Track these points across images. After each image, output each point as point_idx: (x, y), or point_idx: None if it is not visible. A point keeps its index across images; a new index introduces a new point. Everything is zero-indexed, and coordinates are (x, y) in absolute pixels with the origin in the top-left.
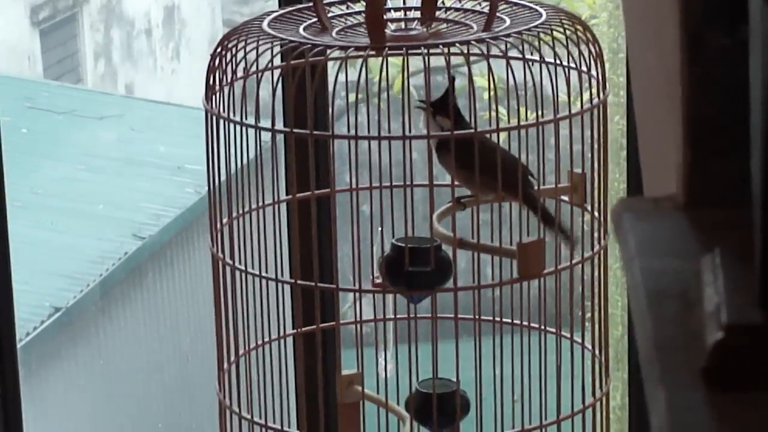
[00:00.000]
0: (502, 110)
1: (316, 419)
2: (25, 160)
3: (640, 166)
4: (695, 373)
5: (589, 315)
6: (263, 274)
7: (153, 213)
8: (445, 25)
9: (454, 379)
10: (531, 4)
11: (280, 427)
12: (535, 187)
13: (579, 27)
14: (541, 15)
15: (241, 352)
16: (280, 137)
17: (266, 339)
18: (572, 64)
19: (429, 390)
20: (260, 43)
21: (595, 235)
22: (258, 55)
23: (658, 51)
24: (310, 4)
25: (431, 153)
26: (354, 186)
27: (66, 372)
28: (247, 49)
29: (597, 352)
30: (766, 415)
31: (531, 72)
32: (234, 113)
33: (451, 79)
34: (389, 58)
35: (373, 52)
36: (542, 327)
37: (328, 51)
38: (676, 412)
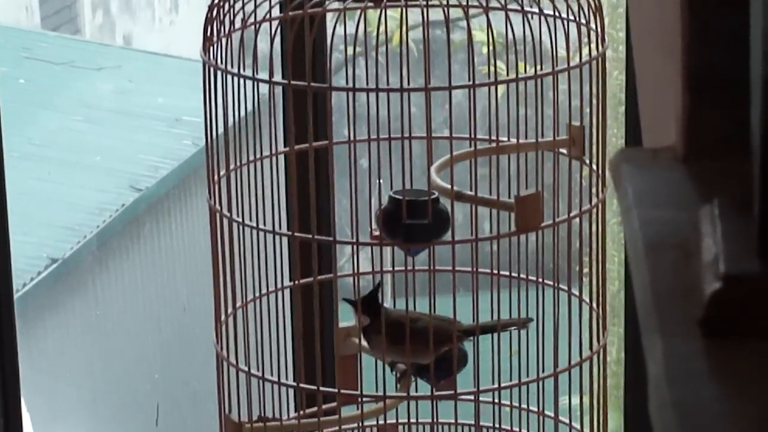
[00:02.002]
0: (501, 64)
1: (313, 372)
2: (23, 110)
3: (638, 122)
4: (693, 322)
5: (586, 269)
6: (260, 226)
7: (150, 165)
8: None
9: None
10: None
11: (277, 380)
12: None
13: None
14: None
15: (238, 304)
16: (278, 89)
17: (264, 291)
18: (571, 17)
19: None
20: None
21: (593, 189)
22: (256, 6)
23: (659, 1)
24: None
25: (429, 106)
26: (352, 137)
27: (63, 322)
28: None
29: (594, 305)
30: (763, 364)
31: (530, 24)
32: (232, 65)
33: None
34: (389, 12)
35: (371, 4)
36: (540, 280)
37: (327, 2)
38: (673, 361)
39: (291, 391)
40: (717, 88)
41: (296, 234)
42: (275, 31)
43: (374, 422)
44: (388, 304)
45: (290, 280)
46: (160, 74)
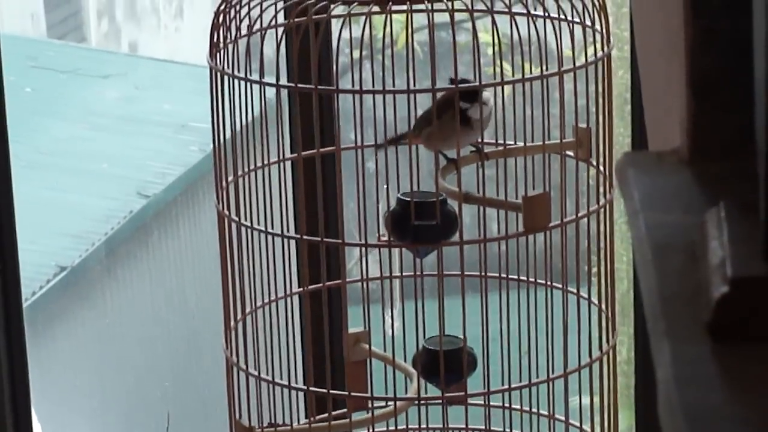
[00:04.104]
0: (506, 65)
1: (322, 376)
2: (30, 119)
3: (644, 121)
4: (700, 326)
5: (595, 269)
6: (269, 230)
7: (157, 171)
8: None
9: (461, 336)
10: None
11: (287, 384)
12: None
13: None
14: None
15: (247, 309)
16: (285, 94)
17: (273, 297)
18: (576, 19)
19: (436, 347)
20: None
21: (601, 189)
22: (262, 11)
23: (662, 4)
24: None
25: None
26: (359, 143)
27: (72, 331)
28: (252, 5)
29: (603, 306)
30: None
31: (535, 26)
32: (238, 70)
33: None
34: (394, 15)
35: (376, 8)
36: (548, 282)
37: (332, 7)
38: (681, 365)
39: (301, 397)
40: (721, 90)
41: (305, 237)
42: (281, 36)
43: (384, 428)
44: (396, 308)
45: (299, 286)
46: (166, 81)
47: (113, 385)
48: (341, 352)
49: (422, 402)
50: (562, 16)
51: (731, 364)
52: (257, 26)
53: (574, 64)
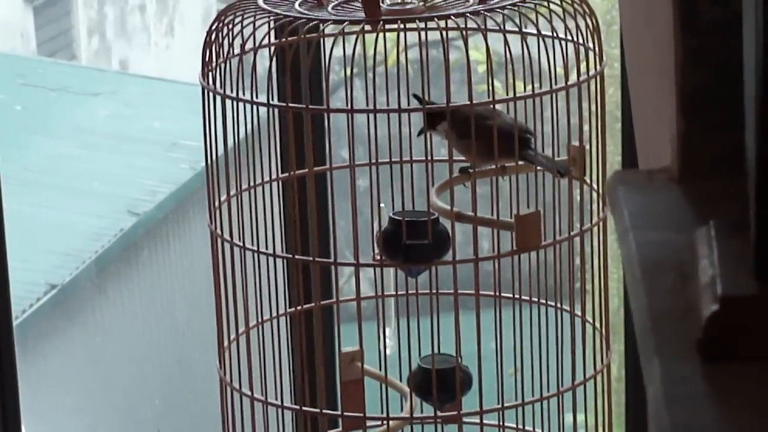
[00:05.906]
0: (497, 83)
1: (317, 396)
2: (19, 137)
3: (634, 139)
4: (690, 344)
5: (589, 287)
6: (262, 249)
7: (148, 189)
8: None
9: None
10: None
11: (280, 404)
12: (533, 145)
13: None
14: None
15: (241, 329)
16: (276, 112)
17: (266, 317)
18: (569, 37)
19: (430, 366)
20: (256, 18)
21: (594, 207)
22: (254, 31)
23: (652, 23)
24: None
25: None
26: (351, 162)
27: (62, 349)
28: (244, 24)
29: (597, 324)
30: (761, 386)
31: (527, 45)
32: (232, 89)
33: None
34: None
35: (368, 27)
36: (542, 300)
37: (324, 25)
38: (671, 383)
39: (294, 417)
40: (711, 109)
41: (297, 257)
42: (273, 55)
43: None
44: (391, 326)
45: (290, 305)
46: (156, 98)
47: (103, 403)
48: (334, 371)
49: (416, 421)
50: (555, 35)
51: (721, 382)
52: (249, 45)
53: (567, 82)
